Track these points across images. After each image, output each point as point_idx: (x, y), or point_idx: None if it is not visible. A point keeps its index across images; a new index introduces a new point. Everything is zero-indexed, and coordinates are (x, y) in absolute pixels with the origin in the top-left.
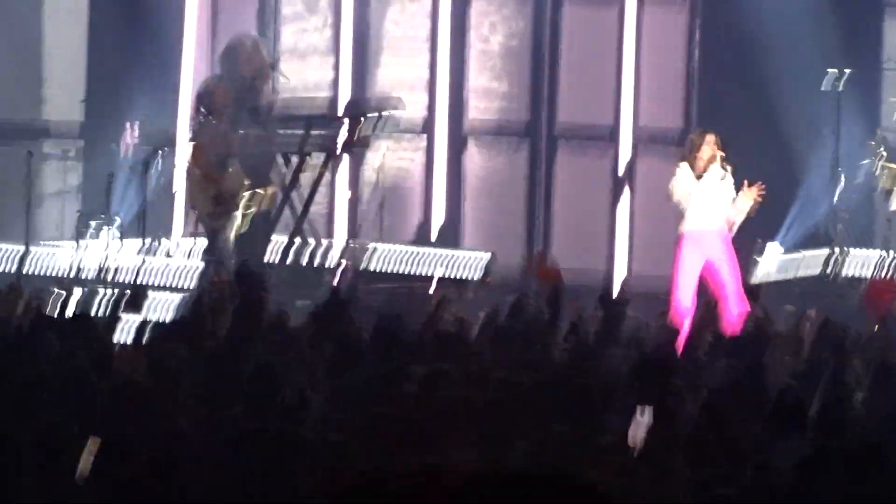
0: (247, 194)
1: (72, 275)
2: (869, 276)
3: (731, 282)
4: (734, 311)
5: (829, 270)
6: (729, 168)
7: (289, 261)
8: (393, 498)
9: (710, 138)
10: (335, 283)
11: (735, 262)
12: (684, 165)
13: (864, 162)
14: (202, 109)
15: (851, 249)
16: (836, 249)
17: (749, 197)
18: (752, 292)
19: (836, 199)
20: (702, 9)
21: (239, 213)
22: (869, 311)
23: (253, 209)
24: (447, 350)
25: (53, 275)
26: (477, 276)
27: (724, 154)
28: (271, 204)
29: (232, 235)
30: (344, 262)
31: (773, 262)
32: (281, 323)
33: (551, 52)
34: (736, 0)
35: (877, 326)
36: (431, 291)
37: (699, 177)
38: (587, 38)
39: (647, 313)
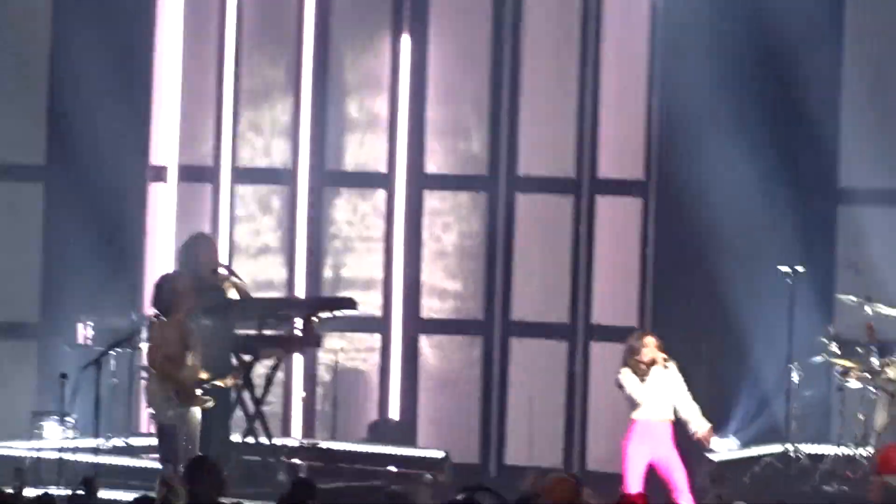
0: (204, 388)
1: (26, 473)
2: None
3: (680, 474)
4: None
5: (782, 466)
6: (672, 364)
7: (242, 458)
8: None
9: (650, 340)
10: (292, 478)
11: (678, 456)
12: (626, 370)
13: (817, 358)
14: (158, 306)
15: (805, 446)
16: (790, 446)
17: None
18: (716, 477)
19: (789, 394)
20: (656, 201)
21: (196, 409)
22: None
23: (210, 403)
24: None
25: (6, 472)
26: (431, 474)
27: (665, 355)
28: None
29: (187, 431)
30: (298, 460)
31: (726, 456)
32: None
33: (504, 248)
34: (688, 194)
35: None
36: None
37: (642, 379)
38: (541, 232)
39: None
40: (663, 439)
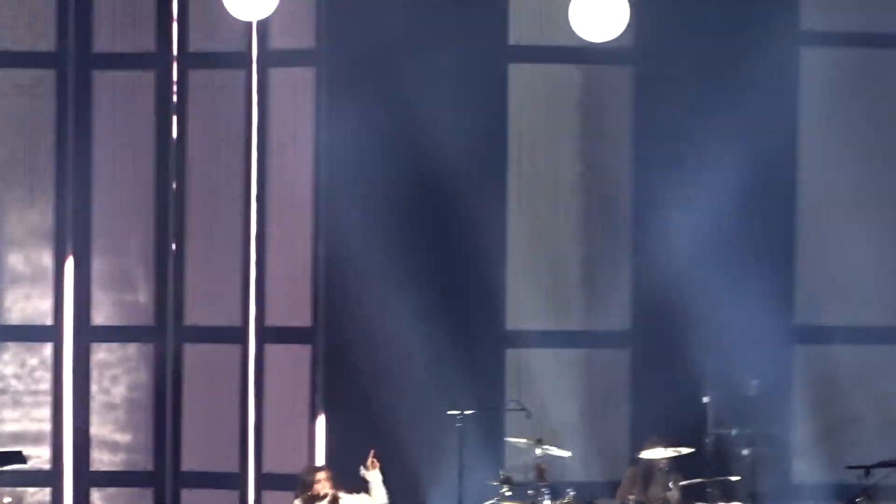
0: None
1: None
2: None
3: None
4: None
5: None
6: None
7: None
8: None
9: (322, 475)
10: None
11: None
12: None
13: (489, 502)
14: None
15: None
16: None
17: (375, 470)
18: None
19: None
20: (324, 347)
21: None
22: None
23: None
24: None
25: None
26: None
27: (335, 492)
28: None
29: None
30: None
31: None
32: None
33: (174, 399)
34: (357, 339)
35: None
36: None
37: None
38: (210, 381)
39: None
40: None
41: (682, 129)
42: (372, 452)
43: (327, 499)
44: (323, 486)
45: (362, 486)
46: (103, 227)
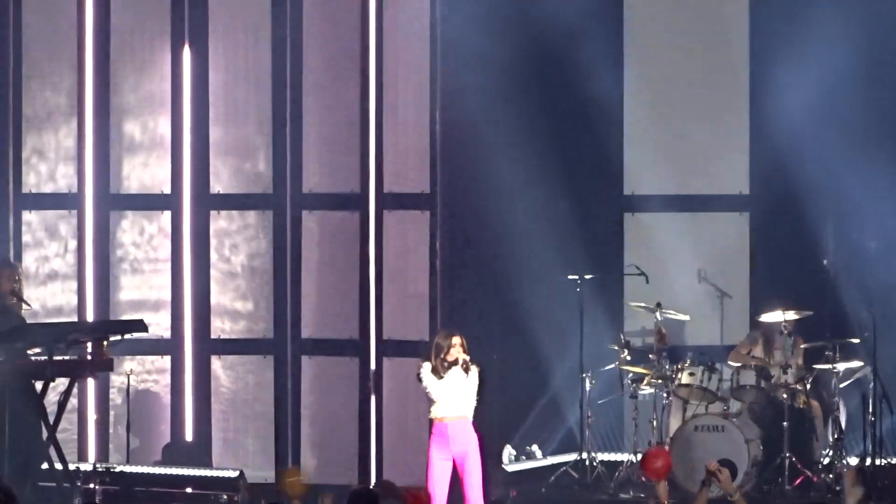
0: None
1: None
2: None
3: (475, 477)
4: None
5: (578, 475)
6: (474, 369)
7: (37, 485)
8: None
9: (456, 340)
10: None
11: (478, 456)
12: (426, 365)
13: (610, 366)
14: None
15: (599, 453)
16: (584, 454)
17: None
18: None
19: (582, 403)
20: (442, 213)
21: None
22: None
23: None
24: None
25: None
26: (226, 493)
27: (467, 357)
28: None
29: None
30: (93, 485)
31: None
32: None
33: (293, 267)
34: (475, 205)
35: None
36: None
37: (440, 377)
38: (329, 248)
39: None
40: (461, 437)
41: None
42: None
43: (459, 364)
44: (457, 350)
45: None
46: (220, 92)
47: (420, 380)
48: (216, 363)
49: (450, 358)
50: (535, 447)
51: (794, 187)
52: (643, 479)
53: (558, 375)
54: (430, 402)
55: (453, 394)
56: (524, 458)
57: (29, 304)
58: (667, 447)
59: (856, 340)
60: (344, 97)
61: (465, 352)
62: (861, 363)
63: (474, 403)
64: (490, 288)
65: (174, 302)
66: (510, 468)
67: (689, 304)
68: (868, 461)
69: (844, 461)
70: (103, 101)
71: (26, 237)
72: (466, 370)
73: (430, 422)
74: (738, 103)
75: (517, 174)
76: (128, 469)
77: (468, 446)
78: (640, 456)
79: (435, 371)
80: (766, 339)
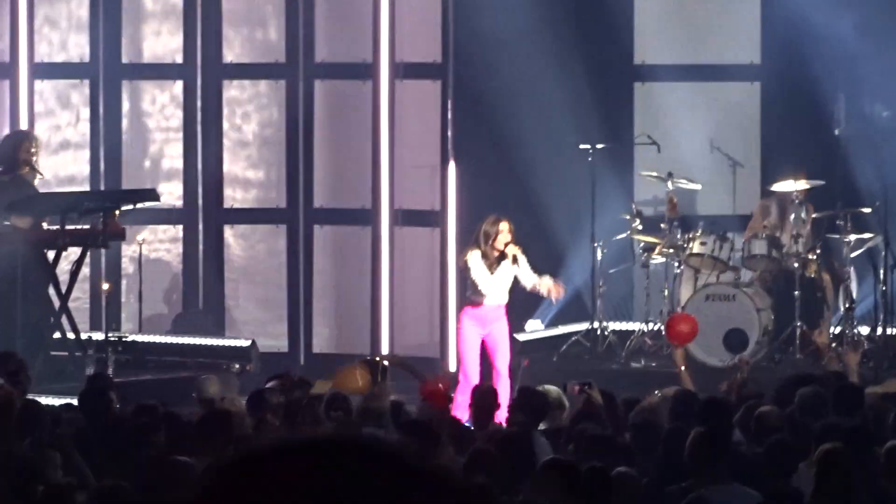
0: None
1: None
2: (626, 346)
3: (503, 359)
4: (499, 383)
5: (589, 344)
6: (522, 257)
7: (50, 354)
8: None
9: (505, 226)
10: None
11: (507, 333)
12: (475, 253)
13: (621, 236)
14: None
15: (610, 323)
16: (596, 323)
17: (548, 285)
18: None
19: (594, 272)
20: (454, 84)
21: None
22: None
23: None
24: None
25: None
26: (238, 363)
27: (517, 249)
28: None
29: None
30: (105, 354)
31: (534, 337)
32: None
33: (305, 136)
34: (487, 76)
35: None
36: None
37: (491, 268)
38: (341, 118)
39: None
40: (496, 321)
41: None
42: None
43: (509, 258)
44: (504, 237)
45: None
46: None
47: (466, 269)
48: (228, 232)
49: (498, 244)
50: (537, 320)
51: (806, 57)
52: (670, 341)
53: (570, 243)
54: (473, 286)
55: (501, 285)
56: (536, 328)
57: (42, 174)
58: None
59: (867, 210)
60: None
61: (513, 238)
62: (872, 233)
63: (526, 282)
64: (502, 159)
65: (186, 171)
66: (521, 338)
67: (701, 173)
68: (878, 330)
69: (855, 329)
70: None
71: (38, 106)
72: (515, 261)
73: (469, 300)
74: None
75: (528, 44)
76: (139, 338)
77: (501, 326)
78: (665, 322)
79: (485, 258)
80: (778, 208)
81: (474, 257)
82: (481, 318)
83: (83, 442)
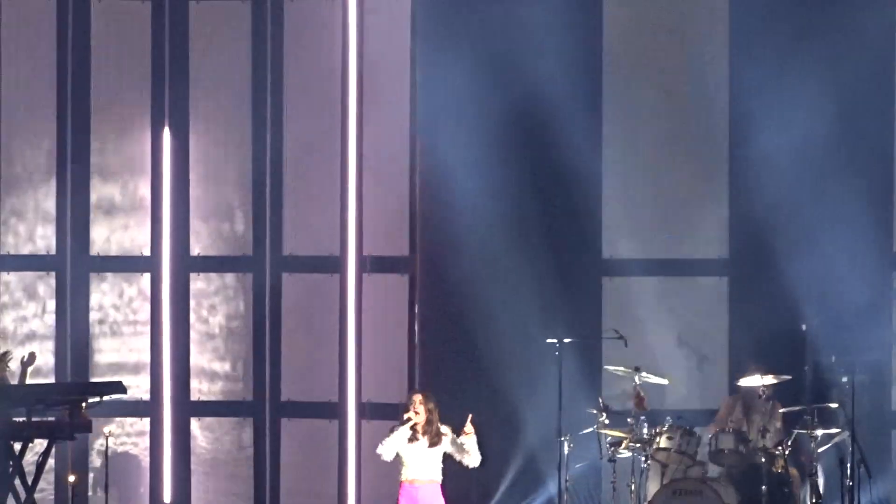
0: None
1: None
2: None
3: None
4: None
5: None
6: (444, 428)
7: None
8: None
9: (418, 398)
10: None
11: None
12: (402, 428)
13: (588, 430)
14: None
15: None
16: None
17: (470, 434)
18: None
19: (560, 466)
20: (422, 277)
21: None
22: None
23: None
24: None
25: None
26: None
27: (430, 422)
28: None
29: None
30: None
31: None
32: None
33: (272, 329)
34: (455, 269)
35: None
36: None
37: (412, 439)
38: (308, 311)
39: None
40: (429, 501)
41: (780, 56)
42: (469, 417)
43: (420, 423)
44: (417, 408)
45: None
46: (200, 156)
47: (381, 451)
48: (195, 424)
49: (408, 415)
50: None
51: (773, 252)
52: None
53: (537, 439)
54: (400, 465)
55: (422, 458)
56: None
57: (9, 365)
58: None
59: (834, 405)
60: (325, 160)
61: (428, 413)
62: (839, 429)
63: (456, 453)
64: (469, 351)
65: (153, 363)
66: None
67: (668, 367)
68: None
69: None
70: (83, 163)
71: (4, 297)
72: (431, 437)
73: (400, 484)
74: (717, 168)
75: (496, 238)
76: None
77: None
78: None
79: (407, 432)
80: (745, 403)
81: (395, 431)
82: (412, 498)
83: None
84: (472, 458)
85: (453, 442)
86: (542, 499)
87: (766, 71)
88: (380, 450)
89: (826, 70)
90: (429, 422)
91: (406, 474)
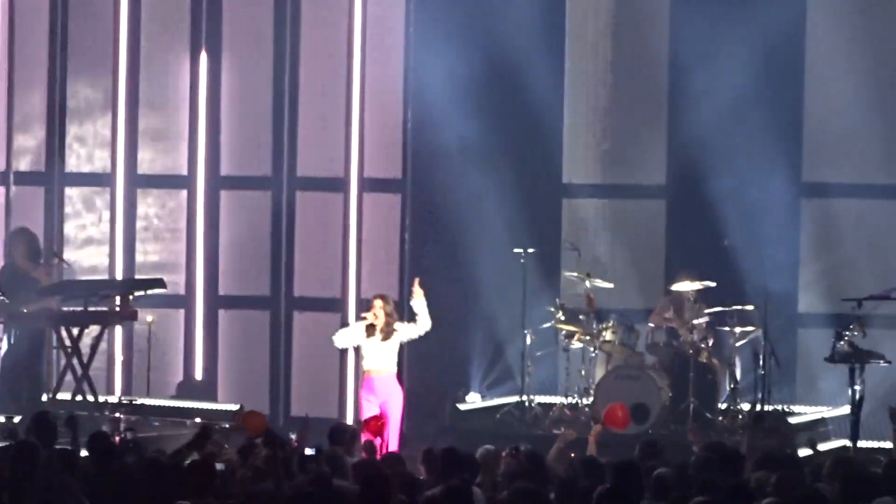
0: None
1: None
2: (549, 416)
3: (392, 425)
4: (389, 448)
5: (518, 414)
6: (398, 325)
7: (73, 413)
8: None
9: (378, 302)
10: (110, 429)
11: (400, 403)
12: (358, 323)
13: (547, 325)
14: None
15: (536, 396)
16: (525, 397)
17: (419, 296)
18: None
19: (523, 355)
20: (412, 197)
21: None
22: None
23: None
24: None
25: None
26: (228, 423)
27: (384, 322)
28: None
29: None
30: (119, 414)
31: (473, 407)
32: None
33: (287, 238)
34: (440, 190)
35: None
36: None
37: (368, 334)
38: (317, 223)
39: None
40: (385, 390)
41: (713, 15)
42: (416, 280)
43: (379, 325)
44: (377, 311)
45: (439, 319)
46: (230, 90)
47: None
48: (222, 315)
49: (367, 316)
50: (475, 392)
51: (703, 179)
52: (606, 423)
53: (505, 331)
54: (361, 356)
55: (379, 351)
56: (475, 399)
57: (68, 264)
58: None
59: (750, 307)
60: (333, 97)
61: (387, 315)
62: (754, 327)
63: (410, 333)
64: (449, 258)
65: (188, 264)
66: (462, 407)
67: (614, 274)
68: (758, 406)
69: (739, 406)
70: (133, 98)
71: (67, 209)
72: (386, 335)
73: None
74: (658, 109)
75: (474, 165)
76: (146, 401)
77: (390, 399)
78: (605, 410)
79: (366, 329)
80: (676, 304)
81: (352, 325)
82: (371, 388)
83: (92, 486)
84: (422, 321)
85: (404, 332)
86: (508, 381)
87: (700, 26)
88: (334, 337)
89: (750, 23)
90: (387, 324)
91: (365, 365)
